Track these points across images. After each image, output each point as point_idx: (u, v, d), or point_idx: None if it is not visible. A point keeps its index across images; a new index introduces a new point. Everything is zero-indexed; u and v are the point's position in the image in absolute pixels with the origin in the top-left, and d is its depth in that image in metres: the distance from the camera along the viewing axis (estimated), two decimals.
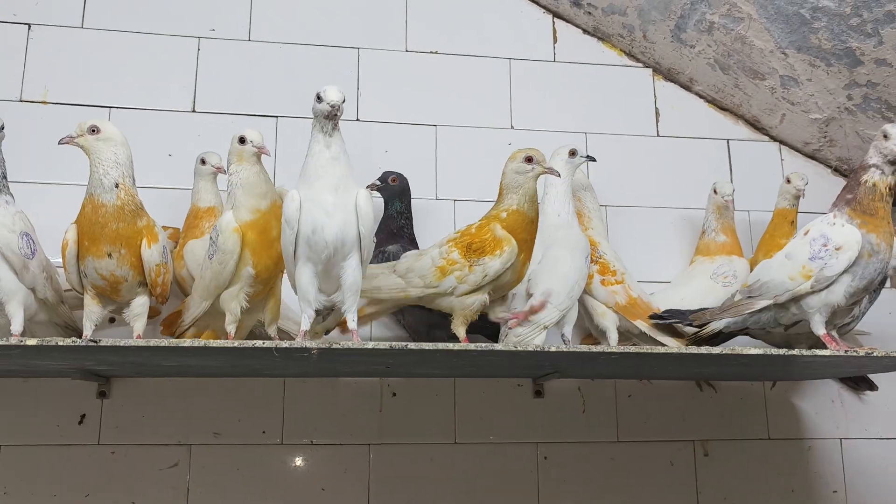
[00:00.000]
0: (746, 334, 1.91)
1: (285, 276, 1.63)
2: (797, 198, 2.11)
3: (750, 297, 1.77)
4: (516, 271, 1.68)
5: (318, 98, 1.47)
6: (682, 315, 1.91)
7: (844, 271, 1.61)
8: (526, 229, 1.68)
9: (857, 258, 1.59)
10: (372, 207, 1.52)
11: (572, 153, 1.94)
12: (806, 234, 1.68)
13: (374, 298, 1.77)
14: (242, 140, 1.57)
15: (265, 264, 1.58)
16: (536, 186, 1.69)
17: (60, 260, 1.60)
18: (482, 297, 1.67)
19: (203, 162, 1.91)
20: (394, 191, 2.00)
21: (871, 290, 1.71)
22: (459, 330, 1.68)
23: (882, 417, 2.26)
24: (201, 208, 1.91)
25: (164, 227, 1.67)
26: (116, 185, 1.53)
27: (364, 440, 2.00)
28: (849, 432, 2.23)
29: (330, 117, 1.47)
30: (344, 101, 1.47)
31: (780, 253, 1.73)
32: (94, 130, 1.55)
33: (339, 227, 1.47)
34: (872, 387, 2.18)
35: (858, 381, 2.20)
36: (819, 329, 1.66)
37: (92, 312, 1.62)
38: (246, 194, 1.56)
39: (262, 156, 1.58)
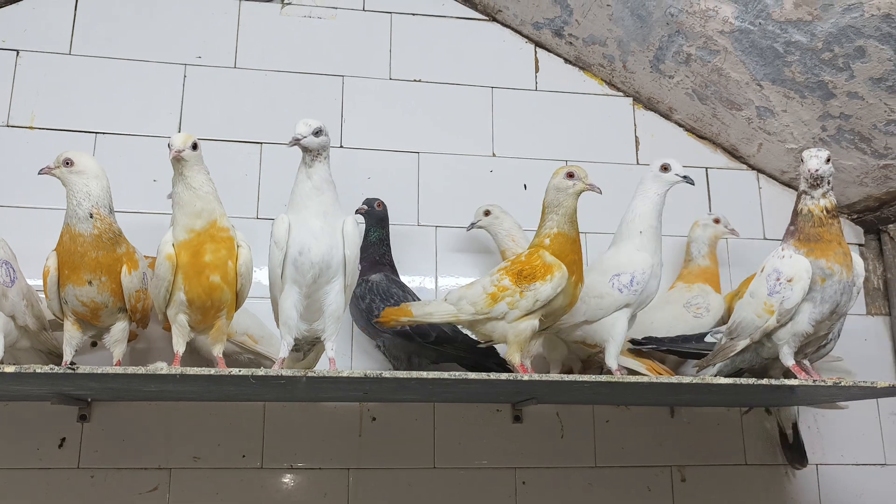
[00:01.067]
0: (743, 374, 1.94)
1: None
2: None
3: (731, 338, 1.81)
4: (568, 295, 1.68)
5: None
6: (659, 342, 1.95)
7: (803, 300, 1.64)
8: (572, 250, 1.69)
9: (810, 285, 1.63)
10: (358, 233, 1.58)
11: (665, 168, 1.84)
12: (762, 270, 1.72)
13: (426, 323, 1.83)
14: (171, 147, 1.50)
15: (196, 293, 1.53)
16: (576, 205, 1.70)
17: (42, 286, 1.62)
18: (533, 323, 1.68)
19: None
20: (376, 217, 2.02)
21: (841, 312, 1.72)
22: (514, 356, 1.68)
23: (857, 443, 2.28)
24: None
25: (146, 257, 1.68)
26: (91, 216, 1.55)
27: (344, 464, 2.02)
28: (825, 458, 2.26)
29: (305, 151, 1.50)
30: (318, 132, 1.51)
31: (747, 291, 1.77)
32: (68, 163, 1.57)
33: (326, 250, 1.51)
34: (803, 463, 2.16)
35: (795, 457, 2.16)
36: (787, 360, 1.69)
37: (72, 338, 1.64)
38: (181, 212, 1.53)
39: (207, 171, 1.54)
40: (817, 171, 1.63)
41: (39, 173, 1.60)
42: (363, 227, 2.04)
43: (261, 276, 1.88)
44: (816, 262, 1.63)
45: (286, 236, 1.51)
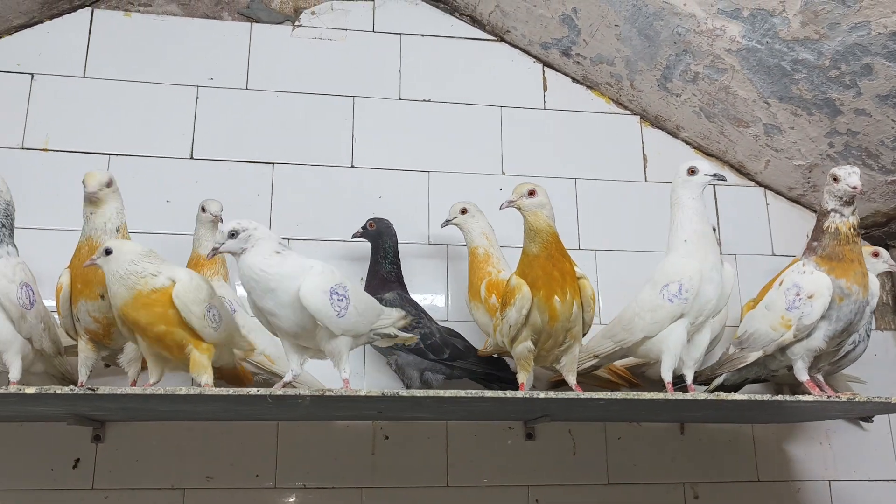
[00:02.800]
0: (747, 383, 1.96)
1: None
2: None
3: (742, 348, 1.82)
4: (544, 310, 1.63)
5: None
6: None
7: (822, 318, 1.65)
8: (536, 265, 1.64)
9: (829, 303, 1.63)
10: (320, 293, 1.49)
11: (692, 171, 1.76)
12: (780, 284, 1.72)
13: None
14: (108, 252, 1.53)
15: (150, 340, 1.54)
16: (533, 220, 1.64)
17: (55, 305, 1.63)
18: (526, 345, 1.67)
19: (203, 209, 1.95)
20: (375, 236, 2.03)
21: (853, 331, 1.74)
22: (520, 376, 1.70)
23: (870, 459, 2.28)
24: (201, 255, 1.94)
25: None
26: (118, 230, 1.61)
27: (356, 483, 2.02)
28: (837, 474, 2.26)
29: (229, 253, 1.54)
30: (233, 233, 1.51)
31: (761, 303, 1.77)
32: (109, 184, 1.64)
33: (292, 321, 1.52)
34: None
35: None
36: (802, 375, 1.69)
37: (87, 358, 1.65)
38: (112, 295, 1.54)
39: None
40: (856, 188, 1.63)
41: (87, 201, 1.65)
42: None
43: None
44: (837, 281, 1.64)
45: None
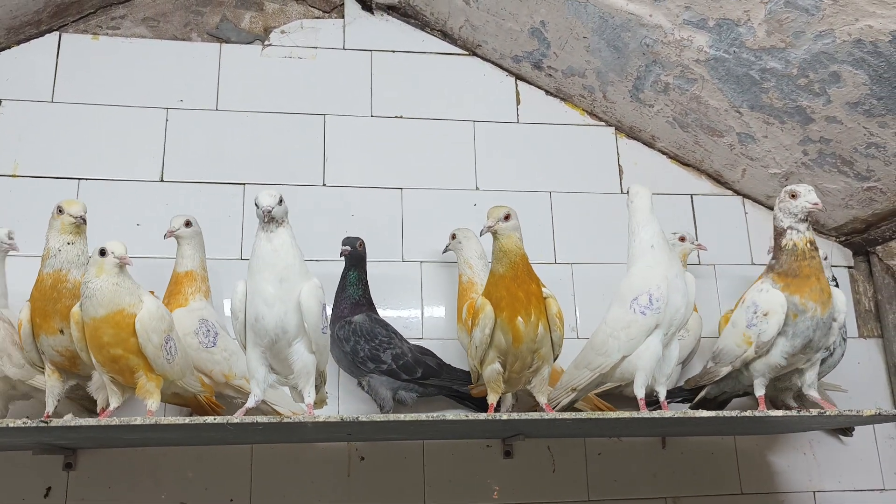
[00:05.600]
0: (734, 396, 1.96)
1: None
2: None
3: (715, 363, 1.83)
4: (507, 331, 1.62)
5: (256, 204, 1.53)
6: None
7: (779, 334, 1.64)
8: (501, 285, 1.63)
9: (784, 320, 1.63)
10: (317, 301, 1.54)
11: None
12: (743, 301, 1.72)
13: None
14: (103, 252, 1.53)
15: (102, 360, 1.53)
16: (505, 243, 1.64)
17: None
18: (494, 367, 1.66)
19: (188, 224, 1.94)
20: (357, 258, 2.01)
21: (816, 347, 1.72)
22: (489, 397, 1.70)
23: (855, 469, 2.25)
24: (179, 273, 1.93)
25: None
26: (87, 263, 1.59)
27: None
28: (822, 485, 2.23)
29: (268, 220, 1.52)
30: (280, 202, 1.52)
31: (730, 319, 1.78)
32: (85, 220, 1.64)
33: (279, 317, 1.51)
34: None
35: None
36: (758, 391, 1.72)
37: (53, 388, 1.64)
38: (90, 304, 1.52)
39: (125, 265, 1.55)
40: (817, 204, 1.64)
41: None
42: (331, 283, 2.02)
43: None
44: (791, 297, 1.63)
45: (242, 306, 1.54)
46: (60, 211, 1.63)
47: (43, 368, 1.66)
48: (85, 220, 1.62)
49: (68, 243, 1.61)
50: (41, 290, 1.58)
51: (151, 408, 1.52)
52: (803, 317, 1.63)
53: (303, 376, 1.55)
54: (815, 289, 1.63)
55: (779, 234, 1.69)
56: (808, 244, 1.65)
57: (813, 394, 1.75)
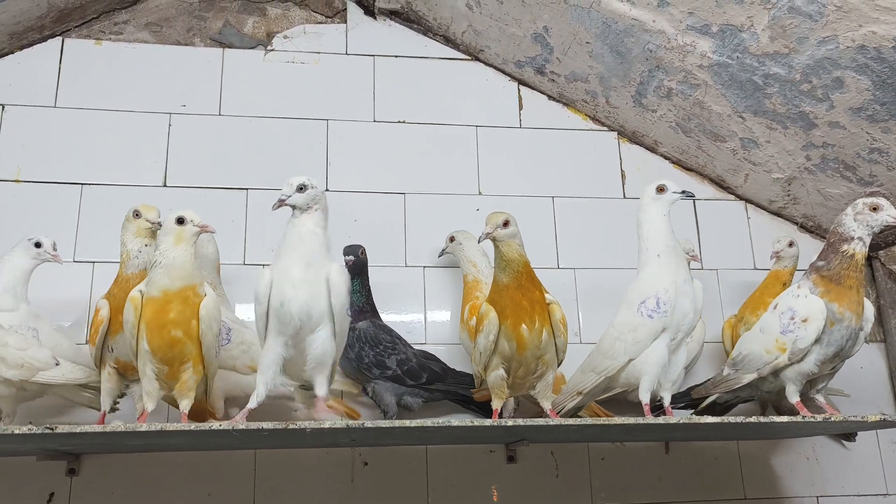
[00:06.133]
0: (739, 402, 1.96)
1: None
2: (794, 258, 2.15)
3: (736, 370, 1.81)
4: (512, 338, 1.62)
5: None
6: None
7: (816, 341, 1.64)
8: (505, 295, 1.63)
9: (823, 327, 1.63)
10: (345, 282, 1.55)
11: (660, 189, 1.75)
12: (775, 307, 1.72)
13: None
14: (181, 221, 1.54)
15: (157, 343, 1.51)
16: (506, 251, 1.64)
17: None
18: (498, 373, 1.66)
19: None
20: (361, 265, 2.01)
21: (845, 356, 1.72)
22: (494, 403, 1.69)
23: (858, 474, 2.25)
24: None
25: None
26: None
27: None
28: (825, 490, 2.23)
29: (293, 208, 1.52)
30: (301, 187, 1.51)
31: (756, 325, 1.77)
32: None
33: (305, 301, 1.49)
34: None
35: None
36: (793, 397, 1.70)
37: (112, 389, 1.70)
38: (165, 274, 1.52)
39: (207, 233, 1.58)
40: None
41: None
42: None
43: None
44: (830, 305, 1.63)
45: (266, 291, 1.51)
46: (137, 215, 1.69)
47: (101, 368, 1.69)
48: (161, 225, 1.63)
49: (146, 245, 1.67)
50: (126, 291, 1.58)
51: (185, 409, 1.52)
52: (839, 325, 1.63)
53: (319, 366, 1.54)
54: (854, 300, 1.63)
55: (843, 239, 1.67)
56: (864, 258, 1.66)
57: (820, 399, 1.75)
